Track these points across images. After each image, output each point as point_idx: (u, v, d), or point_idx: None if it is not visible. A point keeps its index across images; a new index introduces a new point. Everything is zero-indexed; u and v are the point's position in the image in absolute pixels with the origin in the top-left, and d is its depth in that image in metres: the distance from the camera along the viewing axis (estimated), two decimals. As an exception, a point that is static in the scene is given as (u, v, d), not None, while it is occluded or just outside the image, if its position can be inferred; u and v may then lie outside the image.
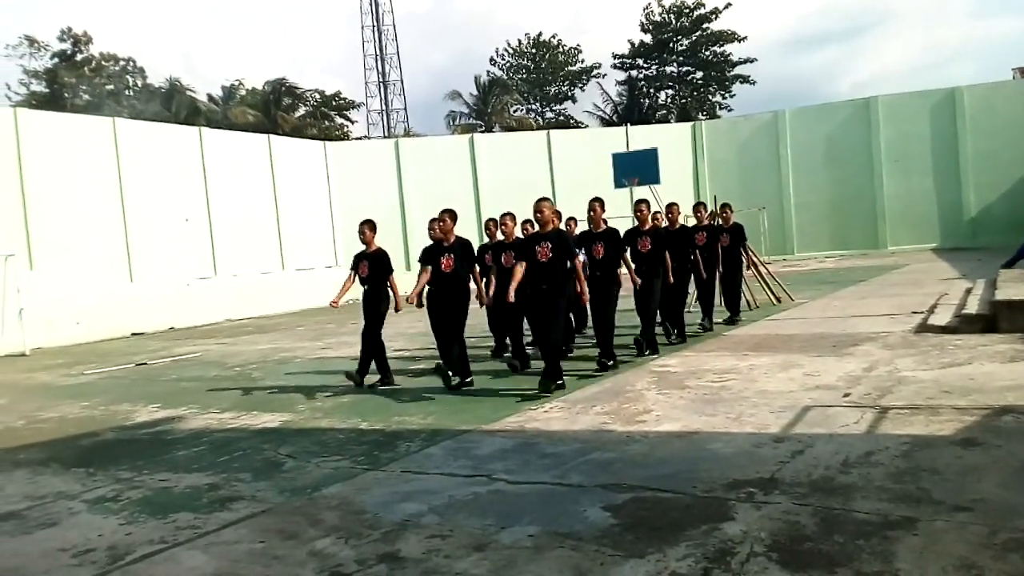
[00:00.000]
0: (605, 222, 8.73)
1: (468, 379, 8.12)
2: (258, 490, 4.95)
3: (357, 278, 8.83)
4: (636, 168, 20.54)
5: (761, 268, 14.18)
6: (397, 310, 8.66)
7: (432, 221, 8.46)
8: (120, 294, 19.74)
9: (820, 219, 30.53)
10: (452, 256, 8.03)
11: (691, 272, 10.51)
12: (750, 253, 14.00)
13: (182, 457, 6.12)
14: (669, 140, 29.69)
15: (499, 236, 9.22)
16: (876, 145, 29.68)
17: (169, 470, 5.70)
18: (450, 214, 8.24)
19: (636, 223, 9.26)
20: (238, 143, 24.80)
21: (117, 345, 17.25)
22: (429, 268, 8.20)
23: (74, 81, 40.79)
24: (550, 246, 7.37)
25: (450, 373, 7.90)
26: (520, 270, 7.53)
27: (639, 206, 9.24)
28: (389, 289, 8.67)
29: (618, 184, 20.95)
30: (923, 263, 21.14)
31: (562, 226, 8.80)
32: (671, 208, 10.34)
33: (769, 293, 13.86)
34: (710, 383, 7.17)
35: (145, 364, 13.01)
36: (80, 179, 19.48)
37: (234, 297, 22.29)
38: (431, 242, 8.47)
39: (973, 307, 9.72)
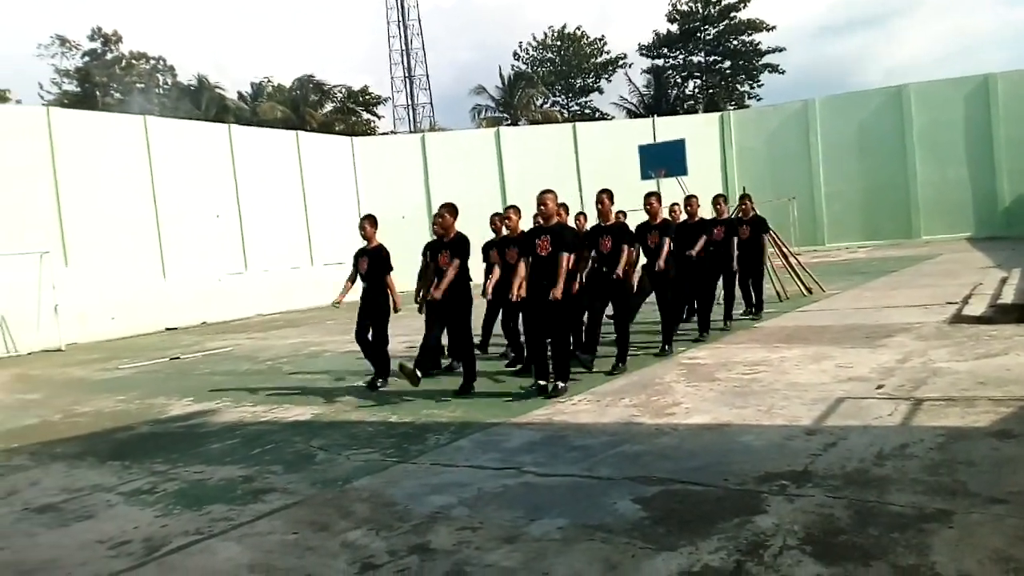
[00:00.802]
0: (623, 215, 8.56)
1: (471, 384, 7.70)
2: (290, 482, 5.01)
3: (358, 276, 8.53)
4: (663, 160, 20.41)
5: (791, 259, 14.03)
6: (395, 310, 8.44)
7: (435, 216, 8.16)
8: (153, 290, 20.05)
9: (851, 209, 30.08)
10: (449, 252, 7.64)
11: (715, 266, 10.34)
12: (779, 242, 13.90)
13: (216, 450, 6.21)
14: (697, 131, 29.41)
15: (504, 231, 8.80)
16: (908, 133, 29.17)
17: (203, 463, 5.78)
18: (449, 209, 7.83)
19: (648, 217, 8.93)
20: (267, 140, 25.03)
21: (151, 340, 17.52)
22: (432, 265, 7.92)
23: (105, 80, 41.42)
24: (549, 239, 7.10)
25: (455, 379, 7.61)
26: (522, 267, 7.28)
27: (649, 199, 8.90)
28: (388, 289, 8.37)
29: (645, 176, 20.83)
30: (957, 253, 20.76)
31: (571, 221, 8.44)
32: (689, 201, 10.18)
33: (799, 284, 13.71)
34: (740, 375, 7.11)
35: (178, 358, 13.20)
36: (112, 177, 19.77)
37: (265, 292, 22.56)
38: (434, 237, 8.21)
39: (1009, 297, 9.55)
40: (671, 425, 5.56)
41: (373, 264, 8.39)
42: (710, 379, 7.08)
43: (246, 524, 4.26)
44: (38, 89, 41.90)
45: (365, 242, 8.58)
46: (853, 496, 3.80)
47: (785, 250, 14.15)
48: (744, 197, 11.80)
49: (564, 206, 8.07)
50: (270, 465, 5.50)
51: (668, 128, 29.25)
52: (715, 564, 3.18)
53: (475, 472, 4.85)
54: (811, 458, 4.45)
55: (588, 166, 29.47)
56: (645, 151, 21.05)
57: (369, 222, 8.57)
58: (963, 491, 3.74)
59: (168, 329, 19.57)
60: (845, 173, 30.16)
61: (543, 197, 7.22)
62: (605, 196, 8.02)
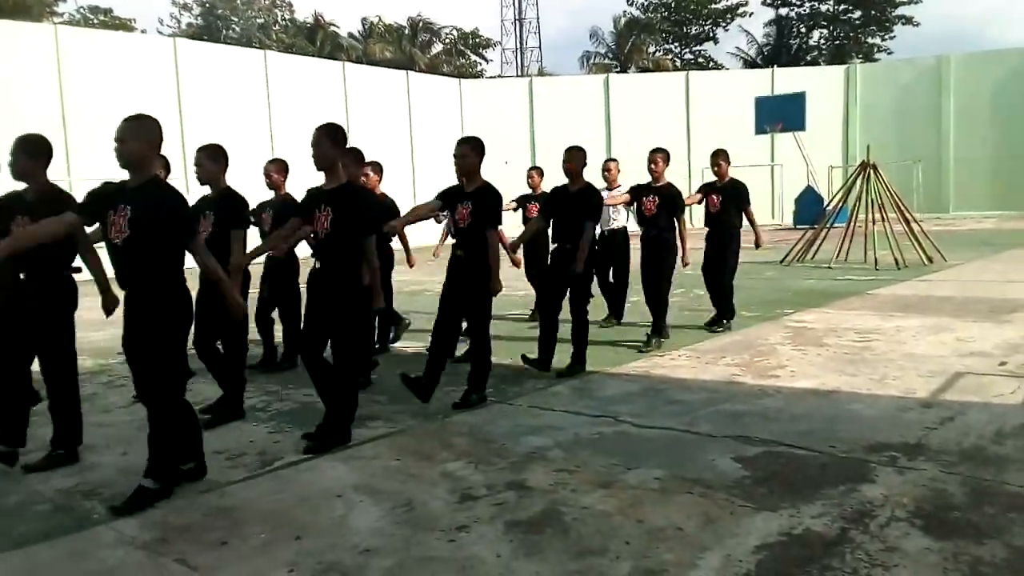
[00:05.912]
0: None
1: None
2: (394, 412, 5.18)
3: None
4: (780, 113, 19.62)
5: (912, 225, 13.36)
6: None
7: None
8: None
9: (982, 176, 28.06)
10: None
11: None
12: (901, 207, 13.28)
13: (323, 376, 6.46)
14: (819, 84, 27.89)
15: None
16: (1048, 97, 26.94)
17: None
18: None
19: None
20: (378, 78, 25.38)
21: (262, 268, 18.27)
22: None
23: (227, 14, 42.67)
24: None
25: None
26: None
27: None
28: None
29: (759, 130, 20.09)
30: (1099, 228, 19.23)
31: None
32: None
33: (920, 252, 13.02)
34: (852, 342, 6.86)
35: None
36: (233, 109, 20.47)
37: (370, 229, 23.16)
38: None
39: None
40: (775, 387, 5.44)
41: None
42: (818, 344, 6.86)
43: (353, 447, 4.45)
44: (157, 24, 43.62)
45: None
46: (968, 473, 3.65)
47: (907, 215, 13.47)
48: (716, 153, 7.94)
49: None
50: (374, 394, 5.69)
51: (788, 80, 27.89)
52: (817, 529, 3.12)
53: (572, 417, 4.89)
54: (925, 431, 4.28)
55: (700, 117, 28.46)
56: (762, 103, 20.25)
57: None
58: (1093, 479, 3.53)
59: (279, 259, 20.36)
60: (977, 137, 28.08)
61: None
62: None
